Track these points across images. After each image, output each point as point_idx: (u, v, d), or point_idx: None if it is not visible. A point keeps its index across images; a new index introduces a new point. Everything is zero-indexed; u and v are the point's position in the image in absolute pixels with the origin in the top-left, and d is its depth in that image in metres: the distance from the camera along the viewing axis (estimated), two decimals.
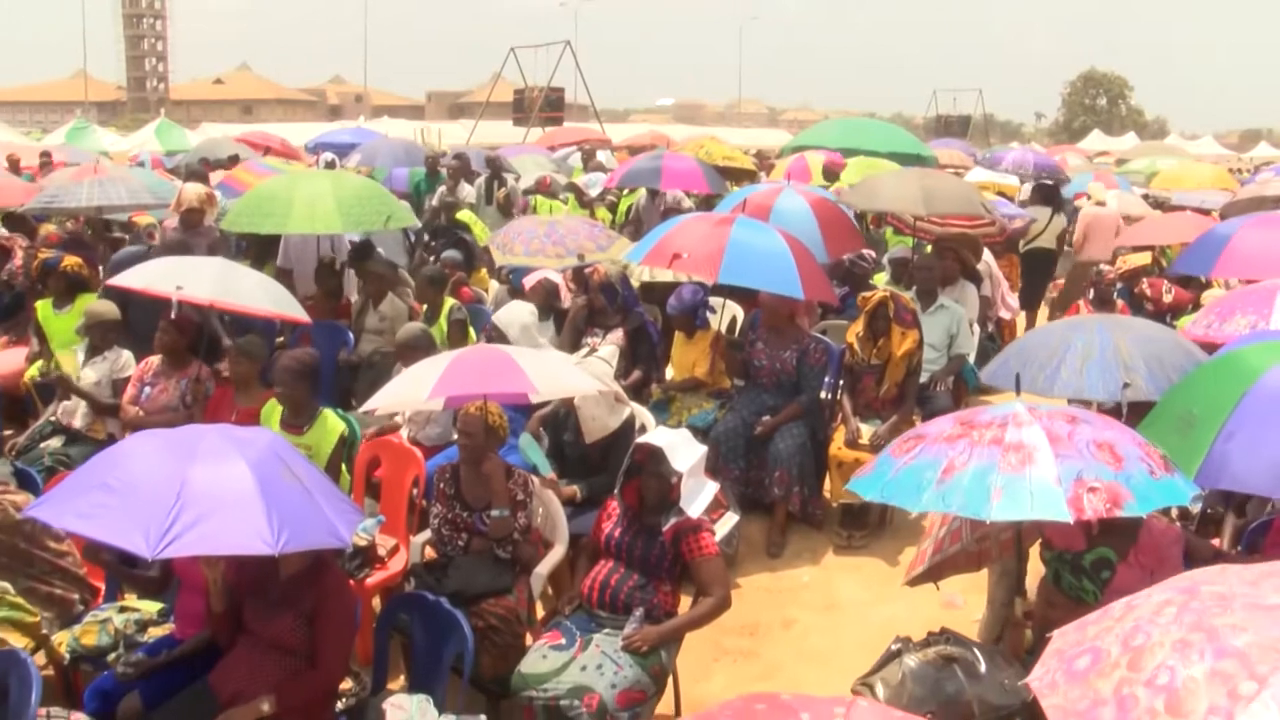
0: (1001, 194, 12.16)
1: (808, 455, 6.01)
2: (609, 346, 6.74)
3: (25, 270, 7.72)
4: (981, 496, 3.04)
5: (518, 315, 6.58)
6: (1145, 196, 14.83)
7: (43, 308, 6.93)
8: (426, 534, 4.72)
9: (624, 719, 3.75)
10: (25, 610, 3.89)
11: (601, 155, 17.76)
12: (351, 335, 7.39)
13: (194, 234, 7.84)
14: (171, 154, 19.21)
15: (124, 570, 4.14)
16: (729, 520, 5.37)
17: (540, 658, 3.91)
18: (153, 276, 5.95)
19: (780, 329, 6.29)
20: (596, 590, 4.13)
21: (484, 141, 26.33)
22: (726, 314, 7.39)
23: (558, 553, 4.67)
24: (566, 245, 7.91)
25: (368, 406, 4.70)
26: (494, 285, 9.22)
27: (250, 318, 6.55)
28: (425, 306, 7.35)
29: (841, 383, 6.48)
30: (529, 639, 4.20)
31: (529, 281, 7.53)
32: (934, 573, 4.07)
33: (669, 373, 6.91)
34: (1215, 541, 4.36)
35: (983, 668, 3.35)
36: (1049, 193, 11.27)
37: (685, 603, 4.26)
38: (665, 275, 7.93)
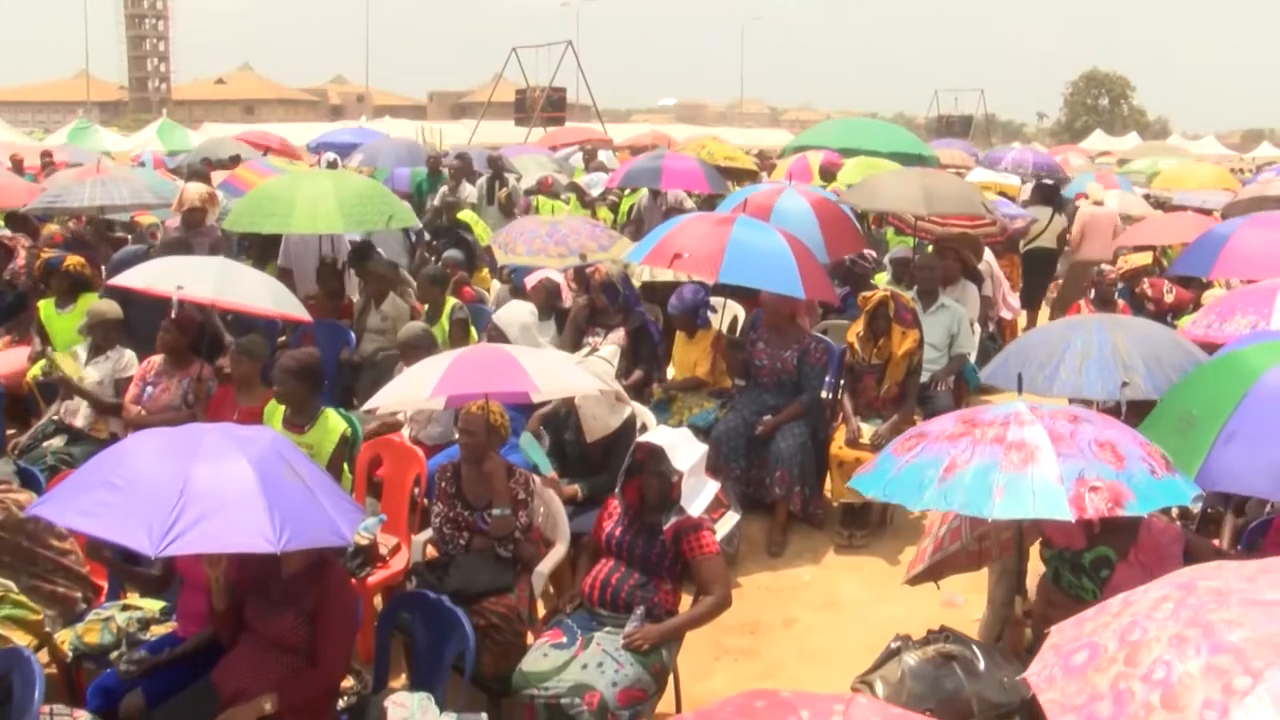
0: (1003, 194, 12.16)
1: (808, 455, 6.03)
2: (610, 346, 6.76)
3: (28, 270, 7.74)
4: (983, 495, 3.05)
5: (517, 315, 6.59)
6: (1146, 197, 14.83)
7: (45, 307, 6.95)
8: (428, 533, 4.73)
9: (625, 717, 3.76)
10: (28, 608, 3.90)
11: (603, 155, 17.78)
12: (353, 335, 7.40)
13: (196, 234, 7.87)
14: (173, 154, 19.25)
15: (126, 568, 4.16)
16: (730, 519, 5.37)
17: (541, 656, 3.92)
18: (153, 276, 5.97)
19: (781, 329, 6.30)
20: (597, 589, 4.14)
21: (486, 141, 26.35)
22: (727, 314, 7.40)
23: (559, 551, 4.68)
24: (569, 245, 7.93)
25: (370, 405, 4.72)
26: (496, 285, 9.23)
27: (252, 317, 6.57)
28: (427, 306, 7.37)
29: (842, 382, 6.50)
30: (530, 637, 4.22)
31: (530, 281, 7.55)
32: (934, 571, 4.08)
33: (670, 372, 6.92)
34: (1215, 541, 4.36)
35: (982, 665, 3.36)
36: (1049, 193, 11.28)
37: (686, 601, 4.27)
38: (666, 275, 7.95)
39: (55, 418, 6.04)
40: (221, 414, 5.38)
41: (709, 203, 11.07)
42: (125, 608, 4.20)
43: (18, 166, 14.90)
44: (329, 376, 5.92)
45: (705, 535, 4.12)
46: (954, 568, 4.12)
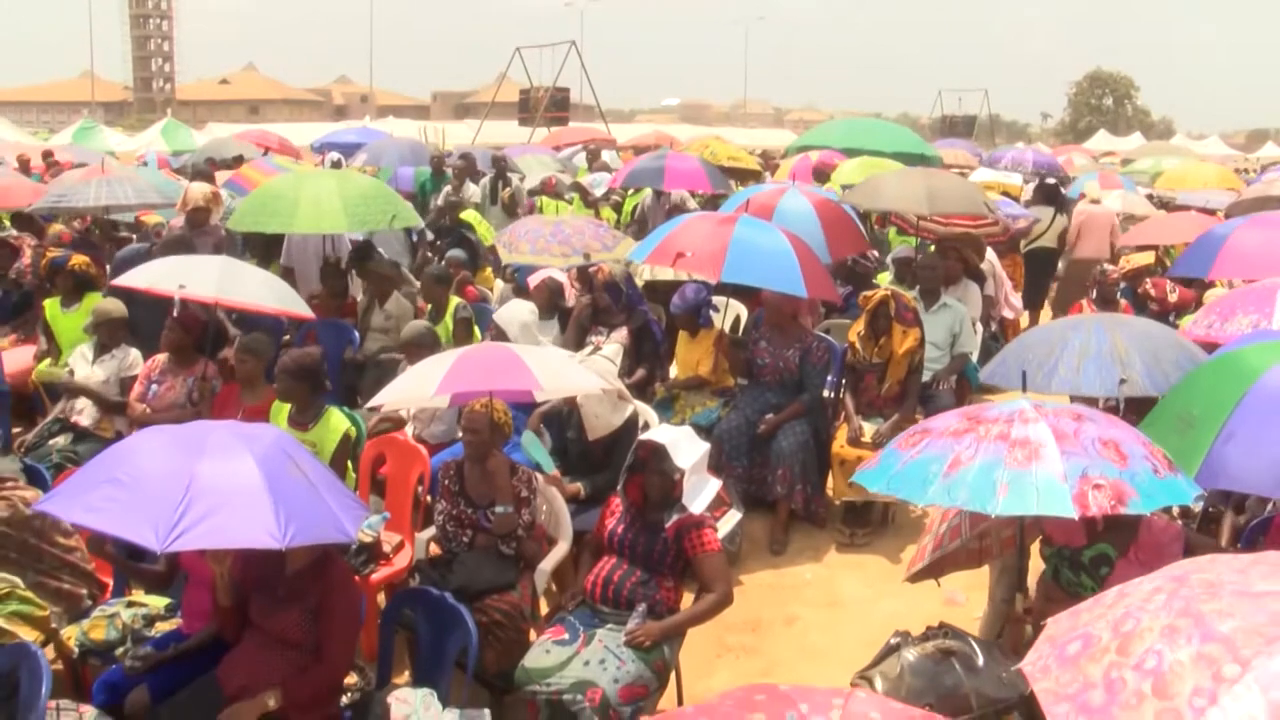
0: (1006, 194, 12.17)
1: (810, 453, 6.05)
2: (613, 345, 6.78)
3: (34, 269, 7.78)
4: (987, 491, 3.07)
5: (518, 314, 6.62)
6: (1150, 196, 14.83)
7: (50, 306, 6.98)
8: (431, 530, 4.75)
9: (626, 714, 3.78)
10: (35, 604, 3.92)
11: (606, 155, 17.80)
12: (357, 334, 7.43)
13: (200, 233, 7.90)
14: (178, 154, 19.31)
15: (129, 564, 4.18)
16: (732, 518, 5.38)
17: (543, 652, 3.94)
18: (156, 276, 6.00)
19: (783, 328, 6.32)
20: (600, 586, 4.16)
21: (489, 141, 26.38)
22: (730, 313, 7.42)
23: (561, 549, 4.70)
24: (572, 244, 7.95)
25: (374, 403, 4.75)
26: (499, 284, 9.26)
27: (257, 316, 6.60)
28: (430, 305, 7.39)
29: (844, 381, 6.52)
30: (532, 634, 4.24)
31: (533, 280, 7.57)
32: (934, 569, 4.10)
33: (673, 371, 6.95)
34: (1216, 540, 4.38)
35: (980, 661, 3.38)
36: (1051, 192, 11.29)
37: (688, 599, 4.29)
38: (668, 274, 7.97)
39: (60, 416, 6.07)
40: (226, 412, 5.40)
41: (712, 202, 11.10)
42: (130, 604, 4.23)
43: (24, 167, 14.96)
44: (333, 375, 5.95)
45: (707, 533, 4.14)
46: (955, 565, 4.14)
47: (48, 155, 16.77)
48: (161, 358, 5.95)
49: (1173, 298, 8.36)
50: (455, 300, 7.32)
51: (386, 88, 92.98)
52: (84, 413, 6.01)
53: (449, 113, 71.81)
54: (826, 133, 12.28)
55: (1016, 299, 9.49)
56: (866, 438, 6.01)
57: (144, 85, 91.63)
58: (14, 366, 6.92)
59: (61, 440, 5.92)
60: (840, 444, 6.08)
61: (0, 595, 3.84)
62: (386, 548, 4.76)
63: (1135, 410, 4.32)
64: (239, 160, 14.41)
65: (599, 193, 13.30)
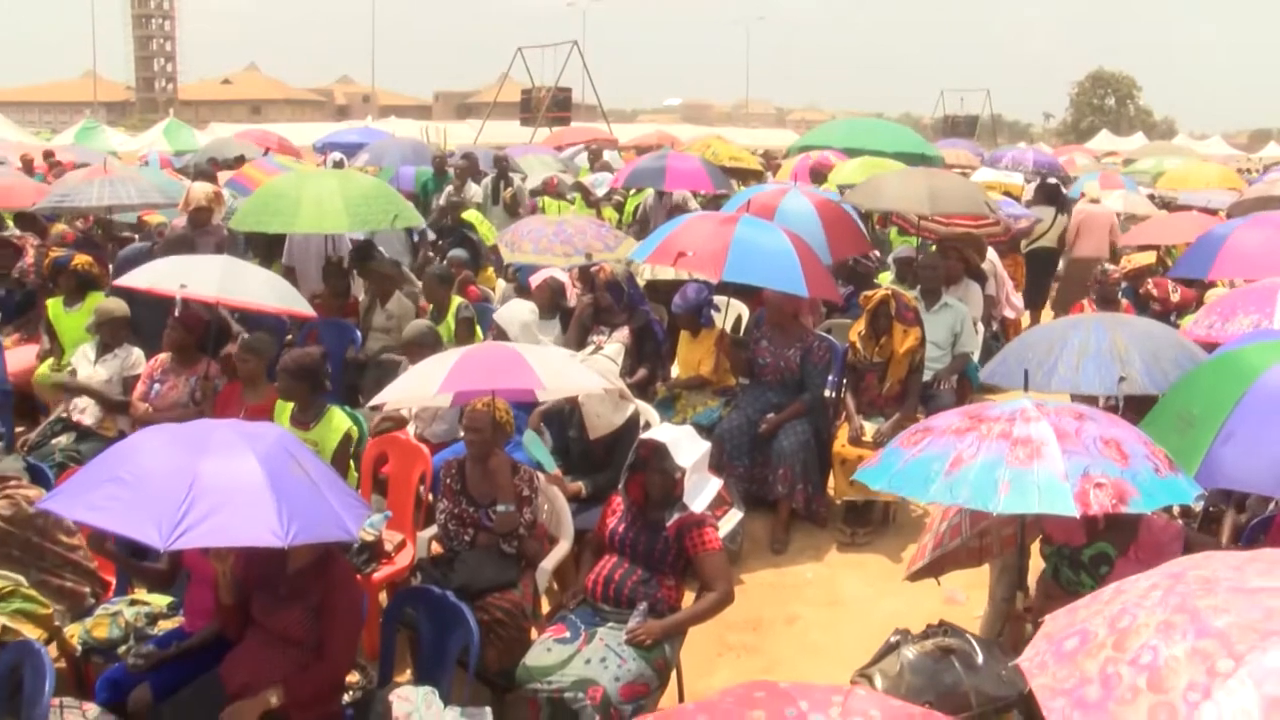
0: (1008, 193, 12.18)
1: (811, 453, 6.06)
2: (615, 344, 6.80)
3: (37, 268, 7.79)
4: (989, 489, 3.08)
5: (518, 313, 6.63)
6: (1151, 196, 14.82)
7: (53, 306, 6.99)
8: (433, 529, 4.76)
9: (627, 712, 3.79)
10: (38, 602, 3.93)
11: (608, 155, 17.81)
12: (359, 333, 7.44)
13: (202, 233, 7.91)
14: (180, 154, 19.33)
15: (131, 563, 4.19)
16: (733, 517, 5.40)
17: (545, 651, 3.95)
18: (157, 276, 6.02)
19: (784, 327, 6.33)
20: (601, 585, 4.17)
21: (491, 141, 26.38)
22: (731, 312, 7.43)
23: (563, 548, 4.71)
24: (574, 244, 7.97)
25: (377, 401, 4.76)
26: (501, 284, 9.27)
27: (259, 316, 6.61)
28: (432, 305, 7.40)
29: (845, 381, 6.53)
30: (534, 633, 4.25)
31: (535, 280, 7.58)
32: (935, 567, 4.11)
33: (674, 371, 6.96)
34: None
35: (980, 659, 3.39)
36: (1052, 192, 11.30)
37: (689, 598, 4.30)
38: (668, 273, 7.98)
39: (63, 415, 6.09)
40: (228, 411, 5.42)
41: (714, 203, 11.11)
42: (133, 603, 4.24)
43: (28, 167, 14.99)
44: (335, 375, 5.97)
45: (708, 531, 4.15)
46: (955, 564, 4.15)
47: (48, 155, 16.79)
48: (164, 357, 5.97)
49: (1175, 298, 8.36)
50: (457, 300, 7.33)
51: (388, 88, 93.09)
52: (86, 412, 6.03)
53: (451, 113, 71.86)
54: (828, 133, 12.30)
55: (1018, 299, 9.49)
56: (867, 437, 6.01)
57: (146, 85, 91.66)
58: (17, 366, 6.94)
59: (64, 439, 5.93)
60: (841, 443, 6.09)
61: (4, 593, 3.85)
62: (388, 546, 4.77)
63: (1135, 410, 4.33)
64: (241, 160, 14.43)
65: (601, 193, 13.31)
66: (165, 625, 4.10)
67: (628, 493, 4.26)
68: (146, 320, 6.34)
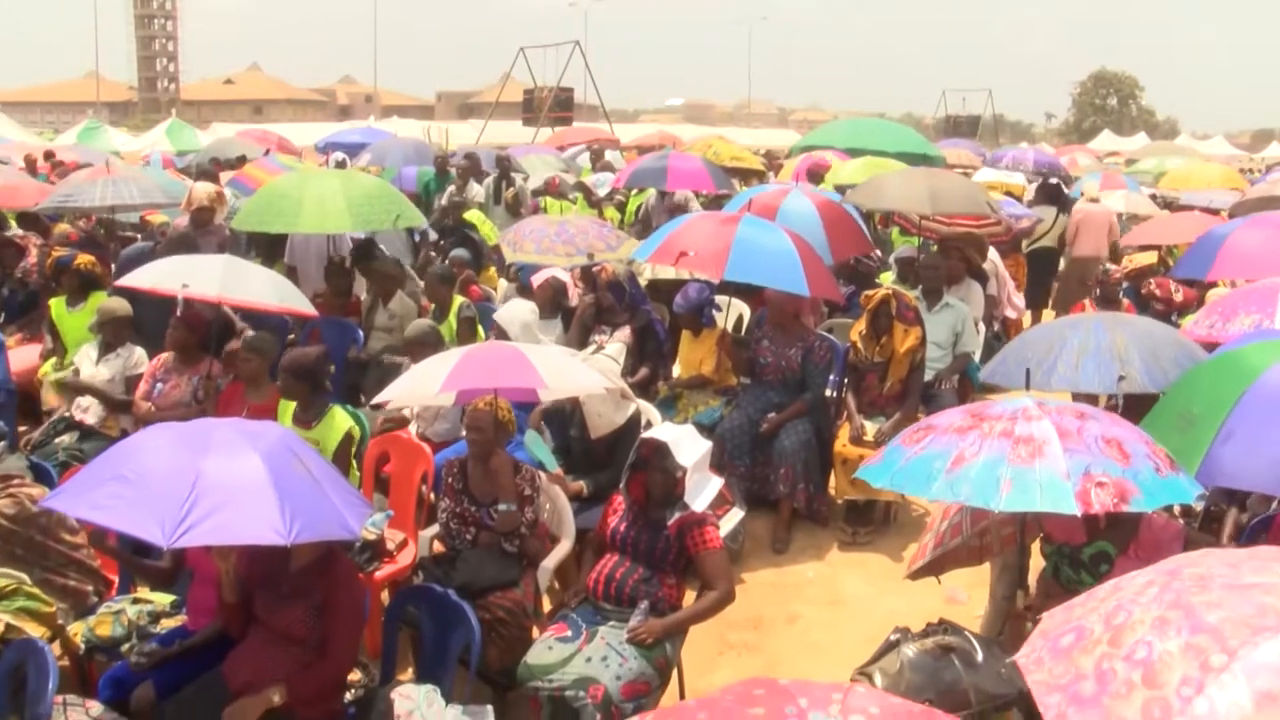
0: (1009, 194, 12.18)
1: (812, 452, 6.07)
2: (616, 344, 6.81)
3: (39, 268, 7.80)
4: (990, 487, 3.09)
5: (518, 313, 6.65)
6: (1153, 196, 14.82)
7: (56, 305, 7.01)
8: (434, 528, 4.78)
9: (628, 710, 3.79)
10: (42, 601, 3.95)
11: (610, 155, 17.83)
12: (361, 333, 7.46)
13: (204, 232, 7.93)
14: (182, 154, 19.36)
15: (134, 561, 4.21)
16: (734, 516, 5.41)
17: (546, 649, 3.96)
18: (159, 275, 6.03)
19: (786, 327, 6.34)
20: (602, 583, 4.18)
21: (493, 141, 26.39)
22: (733, 312, 7.43)
23: (564, 547, 4.72)
24: (576, 244, 7.98)
25: (379, 399, 4.77)
26: (502, 283, 9.29)
27: (262, 315, 6.62)
28: (434, 304, 7.42)
29: (846, 380, 6.53)
30: (535, 631, 4.26)
31: (536, 280, 7.59)
32: (935, 566, 4.11)
33: (676, 370, 6.97)
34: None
35: (979, 657, 3.39)
36: (1054, 192, 11.30)
37: (690, 597, 4.31)
38: (670, 273, 7.99)
39: (66, 414, 6.10)
40: (231, 411, 5.43)
41: (716, 202, 11.11)
42: (136, 601, 4.26)
43: (31, 167, 15.00)
44: (337, 374, 5.98)
45: (709, 530, 4.16)
46: (955, 562, 4.16)
47: (49, 155, 16.81)
48: (166, 356, 5.98)
49: (1177, 297, 8.35)
50: (459, 299, 7.34)
51: (391, 88, 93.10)
52: (89, 411, 6.04)
53: (453, 113, 71.89)
54: (830, 133, 12.31)
55: (1019, 299, 9.50)
56: (868, 436, 6.02)
57: (148, 85, 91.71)
58: (20, 365, 6.96)
59: (67, 438, 5.95)
60: (842, 443, 6.10)
61: (7, 592, 3.87)
62: (390, 545, 4.79)
63: (1135, 409, 4.33)
64: (243, 160, 14.45)
65: (603, 192, 13.33)
66: (168, 623, 4.11)
67: (629, 492, 4.27)
68: (149, 320, 6.35)
